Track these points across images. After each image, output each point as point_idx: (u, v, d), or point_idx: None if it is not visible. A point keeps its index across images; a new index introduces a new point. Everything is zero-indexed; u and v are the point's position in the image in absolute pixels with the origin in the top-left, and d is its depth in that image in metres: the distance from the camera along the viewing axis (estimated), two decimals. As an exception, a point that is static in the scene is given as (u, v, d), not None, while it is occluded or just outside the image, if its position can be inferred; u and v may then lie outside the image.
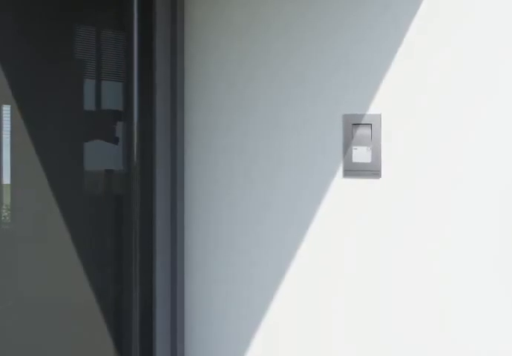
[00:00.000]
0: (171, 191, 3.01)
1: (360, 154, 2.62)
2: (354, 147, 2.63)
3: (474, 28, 2.42)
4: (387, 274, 2.57)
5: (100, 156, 2.81)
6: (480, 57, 2.40)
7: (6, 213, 2.48)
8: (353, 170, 2.64)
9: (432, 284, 2.49)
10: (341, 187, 2.67)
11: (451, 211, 2.47)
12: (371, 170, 2.61)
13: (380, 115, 2.59)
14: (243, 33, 2.86)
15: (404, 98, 2.55)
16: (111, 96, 2.85)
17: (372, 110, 2.59)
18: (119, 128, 2.89)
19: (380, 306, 2.58)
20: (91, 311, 2.78)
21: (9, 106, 2.49)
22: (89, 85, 2.76)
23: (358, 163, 2.63)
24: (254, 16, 2.83)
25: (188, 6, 2.96)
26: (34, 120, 2.58)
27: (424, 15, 2.49)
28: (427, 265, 2.50)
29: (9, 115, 2.48)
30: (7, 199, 2.47)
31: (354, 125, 2.63)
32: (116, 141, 2.88)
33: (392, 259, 2.56)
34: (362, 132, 2.62)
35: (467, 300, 2.44)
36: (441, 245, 2.49)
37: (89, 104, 2.77)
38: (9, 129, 2.48)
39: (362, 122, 2.61)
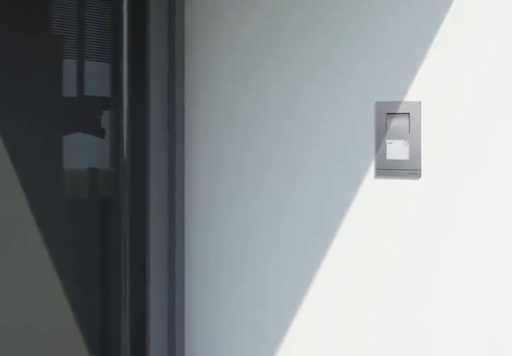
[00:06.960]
0: (168, 194, 3.01)
1: (396, 150, 2.60)
2: (388, 141, 2.61)
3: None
4: (426, 293, 2.54)
5: (83, 152, 2.83)
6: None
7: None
8: (387, 169, 2.62)
9: (478, 298, 2.45)
10: (373, 189, 2.65)
11: (508, 218, 2.40)
12: (409, 169, 2.58)
13: (419, 103, 2.55)
14: (257, 4, 2.86)
15: (448, 82, 2.50)
16: (96, 80, 2.88)
17: (411, 96, 2.57)
18: (106, 118, 2.91)
19: (419, 320, 2.56)
20: (72, 334, 2.80)
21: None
22: (69, 66, 2.79)
23: (393, 161, 2.61)
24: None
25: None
26: (2, 109, 2.58)
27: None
28: (474, 286, 2.45)
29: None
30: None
31: (388, 115, 2.62)
32: (101, 134, 2.89)
33: (434, 277, 2.53)
34: (398, 123, 2.61)
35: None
36: (492, 263, 2.42)
37: (69, 89, 2.79)
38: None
39: (398, 111, 2.60)
